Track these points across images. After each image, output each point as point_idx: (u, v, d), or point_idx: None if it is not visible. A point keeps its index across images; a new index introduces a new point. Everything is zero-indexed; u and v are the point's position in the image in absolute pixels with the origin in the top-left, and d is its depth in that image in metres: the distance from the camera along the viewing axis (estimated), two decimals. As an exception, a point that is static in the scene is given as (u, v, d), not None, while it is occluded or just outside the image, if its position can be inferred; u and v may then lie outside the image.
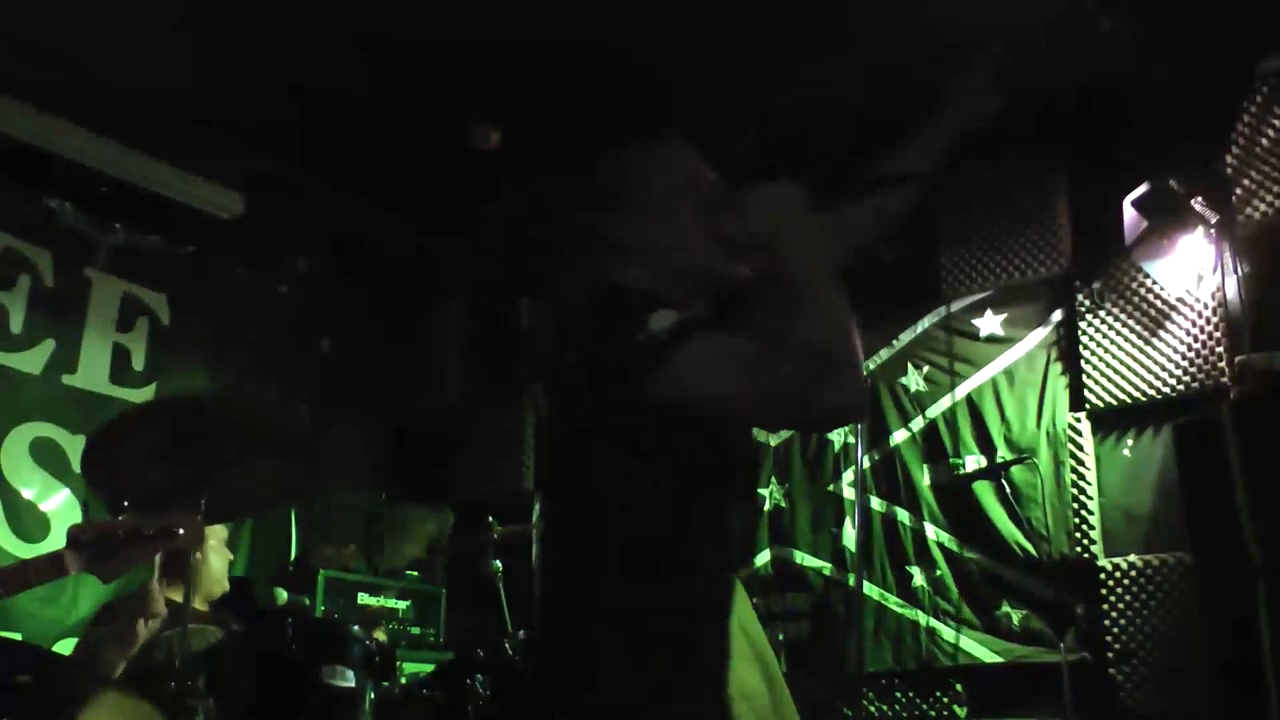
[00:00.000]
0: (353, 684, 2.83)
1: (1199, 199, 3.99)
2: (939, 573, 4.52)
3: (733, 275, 1.49)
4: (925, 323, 4.84)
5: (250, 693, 2.72)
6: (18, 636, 3.81)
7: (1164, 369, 4.24)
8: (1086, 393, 4.39)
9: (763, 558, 4.95)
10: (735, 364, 1.37)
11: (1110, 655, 4.11)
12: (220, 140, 4.54)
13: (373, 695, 2.89)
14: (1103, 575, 4.19)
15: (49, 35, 3.86)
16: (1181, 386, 4.19)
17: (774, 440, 5.07)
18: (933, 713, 4.47)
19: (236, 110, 4.33)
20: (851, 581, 4.56)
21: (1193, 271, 4.18)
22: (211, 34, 3.90)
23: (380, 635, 3.35)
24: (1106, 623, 4.14)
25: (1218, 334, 4.15)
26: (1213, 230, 4.10)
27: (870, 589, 4.60)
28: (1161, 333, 4.28)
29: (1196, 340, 4.20)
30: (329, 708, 2.78)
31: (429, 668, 3.62)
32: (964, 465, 4.56)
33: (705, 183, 1.56)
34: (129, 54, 3.97)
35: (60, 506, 4.35)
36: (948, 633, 4.45)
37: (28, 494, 4.28)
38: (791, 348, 1.36)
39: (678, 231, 1.50)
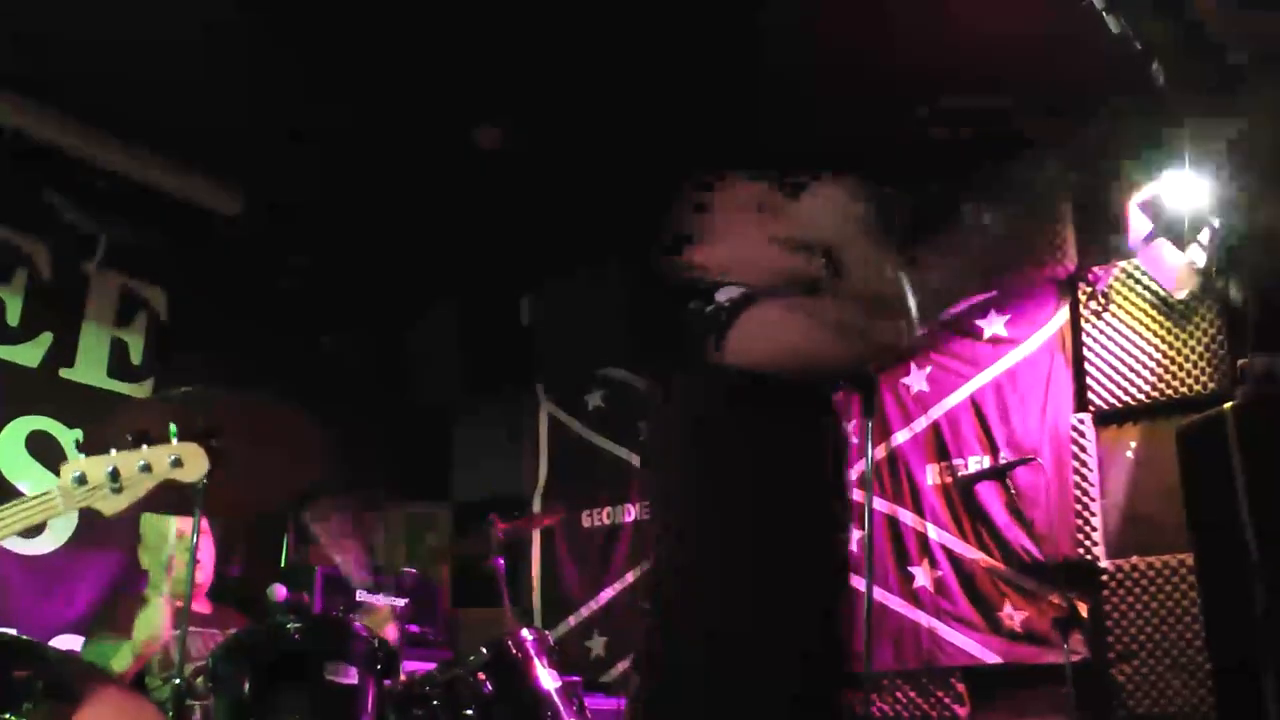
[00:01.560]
0: (355, 680, 2.82)
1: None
2: (941, 573, 4.51)
3: (800, 268, 1.79)
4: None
5: (252, 689, 2.70)
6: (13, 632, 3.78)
7: (1167, 371, 4.23)
8: (1090, 394, 4.38)
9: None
10: (794, 314, 1.67)
11: (1112, 656, 4.11)
12: (221, 137, 4.51)
13: (375, 692, 2.88)
14: (1105, 577, 4.19)
15: (49, 29, 3.83)
16: (1185, 388, 4.18)
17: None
18: (934, 713, 4.46)
19: (238, 107, 4.31)
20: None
21: (1196, 273, 4.17)
22: (211, 32, 3.87)
23: (379, 626, 3.32)
24: (1109, 624, 4.13)
25: (1221, 336, 4.14)
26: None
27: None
28: (1165, 334, 4.27)
29: (1200, 342, 4.19)
30: (331, 704, 2.77)
31: (429, 665, 3.60)
32: (967, 466, 4.56)
33: (769, 201, 1.89)
34: (130, 49, 3.94)
35: (56, 501, 4.31)
36: (949, 633, 4.44)
37: (23, 487, 4.25)
38: (843, 294, 1.66)
39: (754, 246, 1.84)
